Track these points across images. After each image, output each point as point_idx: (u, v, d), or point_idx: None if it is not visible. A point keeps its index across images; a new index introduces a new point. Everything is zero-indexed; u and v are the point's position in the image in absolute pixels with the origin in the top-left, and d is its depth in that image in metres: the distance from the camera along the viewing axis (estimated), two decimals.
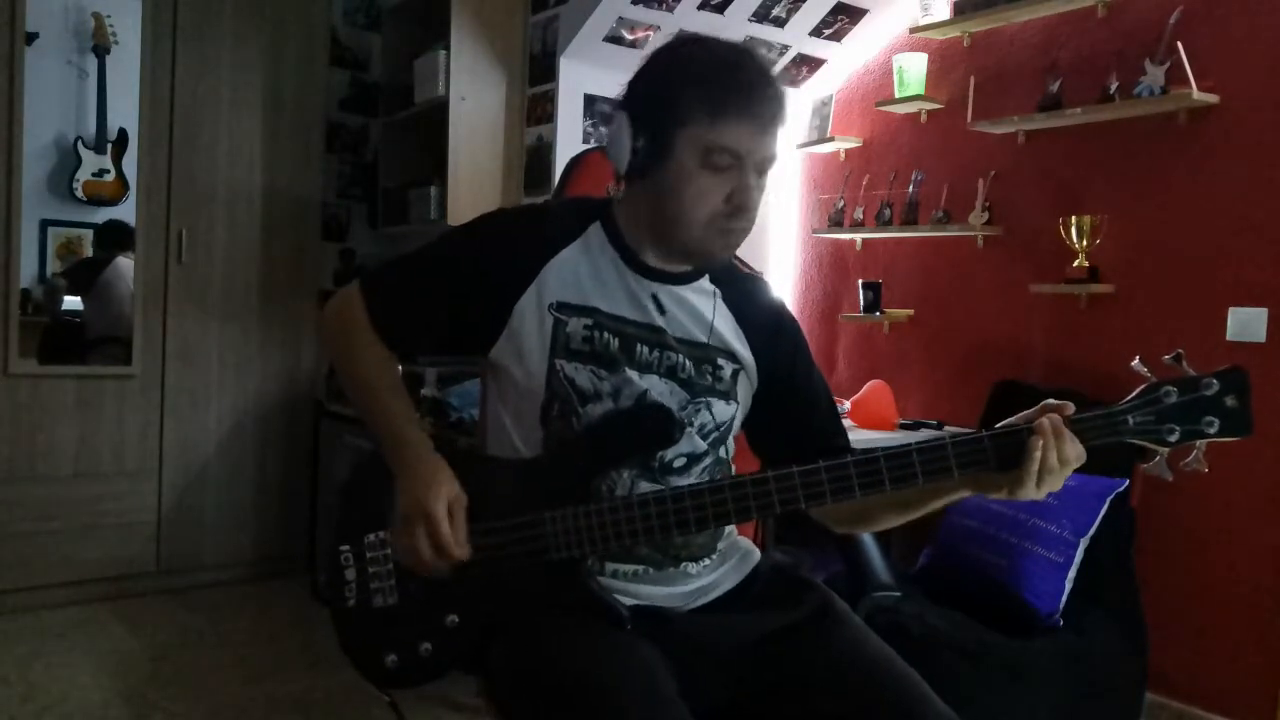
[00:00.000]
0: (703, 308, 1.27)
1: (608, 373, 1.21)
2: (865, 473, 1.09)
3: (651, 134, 1.16)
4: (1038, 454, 1.03)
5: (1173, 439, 1.05)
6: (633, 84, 1.22)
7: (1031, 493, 1.05)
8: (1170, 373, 1.06)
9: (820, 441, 1.28)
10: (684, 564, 1.25)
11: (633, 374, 1.21)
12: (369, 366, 1.26)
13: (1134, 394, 1.07)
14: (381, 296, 1.27)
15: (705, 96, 1.13)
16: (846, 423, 2.89)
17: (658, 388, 1.22)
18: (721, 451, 1.29)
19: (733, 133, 1.14)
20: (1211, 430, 1.04)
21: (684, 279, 1.27)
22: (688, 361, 1.24)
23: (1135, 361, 1.08)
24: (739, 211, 1.18)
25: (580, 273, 1.23)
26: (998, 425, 1.09)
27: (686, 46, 1.19)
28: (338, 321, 1.29)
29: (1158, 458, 1.07)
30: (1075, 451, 1.05)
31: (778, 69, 3.26)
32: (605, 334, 1.22)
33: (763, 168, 1.18)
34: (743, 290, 1.32)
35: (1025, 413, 1.09)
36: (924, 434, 2.87)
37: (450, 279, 1.25)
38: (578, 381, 1.21)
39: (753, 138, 1.15)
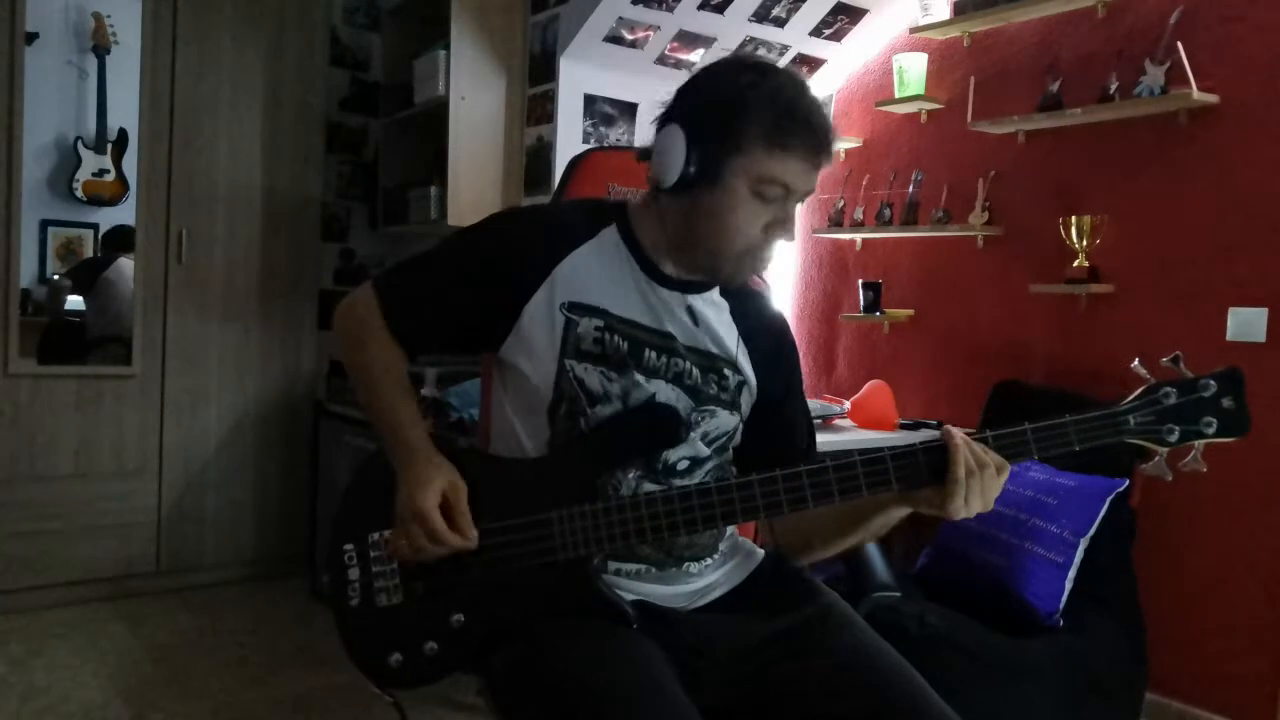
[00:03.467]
0: (713, 318, 1.28)
1: (617, 375, 1.21)
2: (871, 472, 1.10)
3: (705, 155, 1.16)
4: (960, 455, 1.07)
5: (1172, 439, 1.07)
6: (688, 98, 1.21)
7: (959, 506, 1.07)
8: (1169, 374, 1.09)
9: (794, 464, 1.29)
10: (686, 564, 1.25)
11: (641, 378, 1.22)
12: (377, 364, 1.27)
13: (1134, 395, 1.09)
14: (395, 295, 1.28)
15: (769, 130, 1.14)
16: (846, 423, 2.93)
17: (665, 393, 1.23)
18: (723, 458, 1.30)
19: (789, 167, 1.15)
20: (1210, 430, 1.07)
21: (698, 288, 1.27)
22: (695, 370, 1.25)
23: (1135, 363, 1.11)
24: (779, 238, 1.20)
25: (592, 274, 1.23)
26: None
27: (749, 74, 1.17)
28: (351, 319, 1.30)
29: (1157, 458, 1.10)
30: (993, 459, 1.08)
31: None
32: (615, 336, 1.22)
33: (804, 199, 1.21)
34: (751, 306, 1.33)
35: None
36: (924, 434, 2.87)
37: (463, 277, 1.25)
38: (587, 382, 1.21)
39: (806, 174, 1.17)
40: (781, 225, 1.19)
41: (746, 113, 1.14)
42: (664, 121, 1.20)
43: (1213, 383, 1.06)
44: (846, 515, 1.22)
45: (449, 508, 1.15)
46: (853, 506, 1.17)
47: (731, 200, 1.16)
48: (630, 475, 1.21)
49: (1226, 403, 1.06)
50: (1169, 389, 1.07)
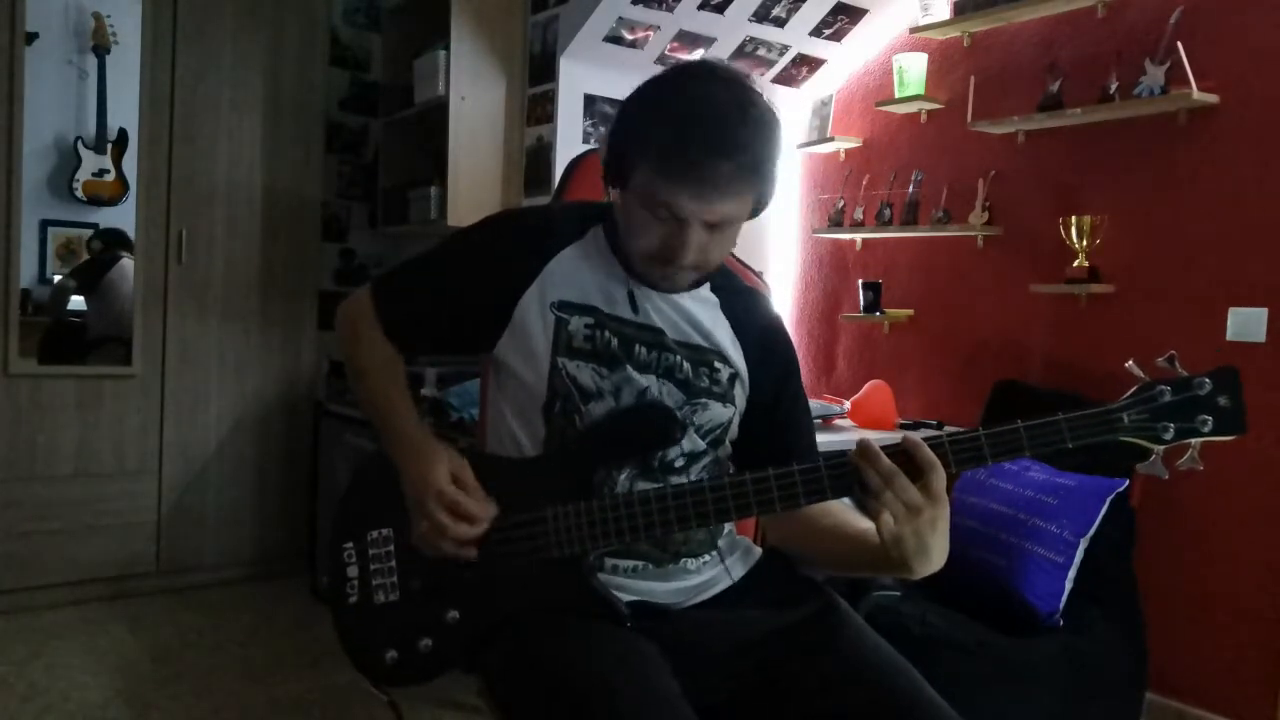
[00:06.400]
0: (700, 313, 1.28)
1: (609, 371, 1.22)
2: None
3: (615, 163, 1.19)
4: (868, 475, 1.04)
5: (1168, 437, 1.06)
6: (621, 104, 1.23)
7: (910, 549, 1.03)
8: (1164, 374, 1.08)
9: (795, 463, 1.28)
10: (683, 560, 1.25)
11: (633, 373, 1.23)
12: (375, 364, 1.30)
13: (1129, 393, 1.08)
14: (390, 296, 1.31)
15: (656, 154, 1.12)
16: (846, 423, 2.93)
17: (656, 388, 1.24)
18: (720, 451, 1.30)
19: (674, 195, 1.12)
20: (1205, 429, 1.06)
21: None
22: (686, 363, 1.26)
23: (1130, 363, 1.09)
24: (670, 260, 1.17)
25: (581, 273, 1.25)
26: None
27: (667, 89, 1.16)
28: (348, 321, 1.34)
29: (1153, 456, 1.08)
30: (922, 457, 1.05)
31: (768, 79, 3.24)
32: (606, 333, 1.23)
33: (716, 226, 1.16)
34: (742, 303, 1.33)
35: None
36: (923, 434, 2.86)
37: (455, 278, 1.28)
38: (580, 379, 1.22)
39: (696, 202, 1.12)
40: (680, 246, 1.15)
41: (643, 133, 1.14)
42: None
43: (1208, 381, 1.05)
44: (847, 556, 1.20)
45: (460, 484, 1.16)
46: (860, 550, 1.16)
47: (630, 207, 1.18)
48: (625, 473, 1.21)
49: (1223, 401, 1.05)
50: (1163, 387, 1.06)
